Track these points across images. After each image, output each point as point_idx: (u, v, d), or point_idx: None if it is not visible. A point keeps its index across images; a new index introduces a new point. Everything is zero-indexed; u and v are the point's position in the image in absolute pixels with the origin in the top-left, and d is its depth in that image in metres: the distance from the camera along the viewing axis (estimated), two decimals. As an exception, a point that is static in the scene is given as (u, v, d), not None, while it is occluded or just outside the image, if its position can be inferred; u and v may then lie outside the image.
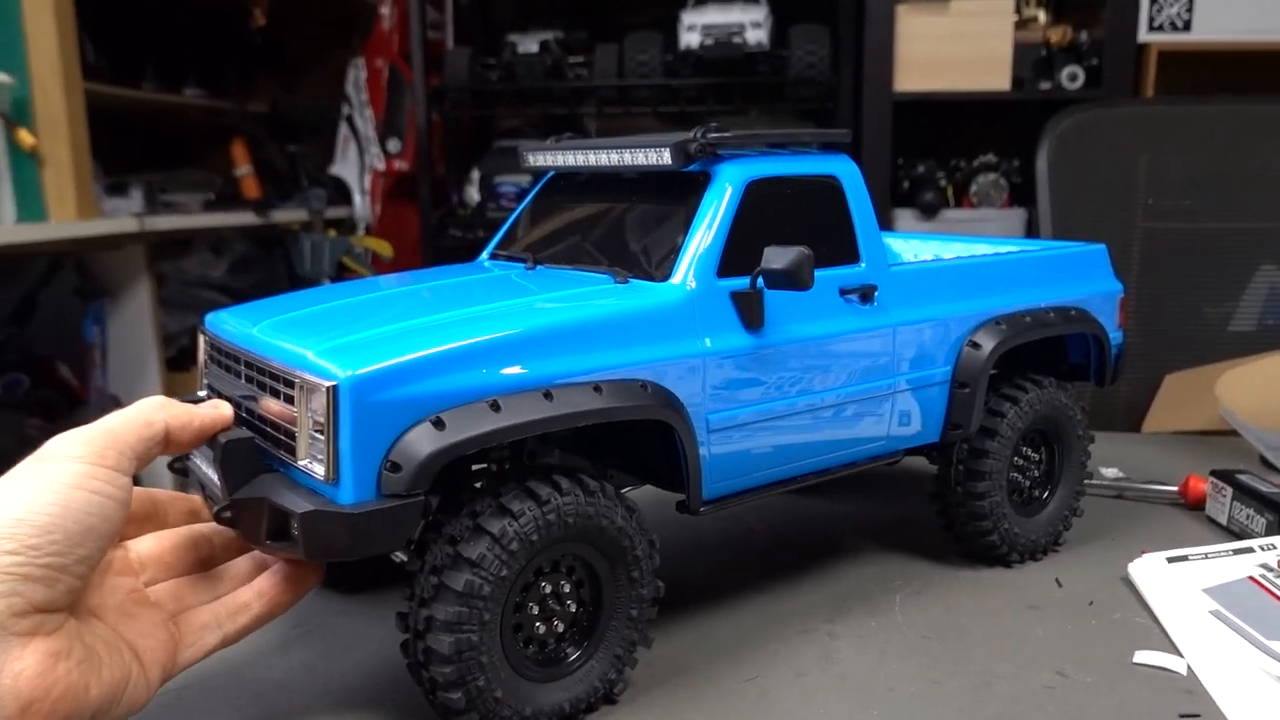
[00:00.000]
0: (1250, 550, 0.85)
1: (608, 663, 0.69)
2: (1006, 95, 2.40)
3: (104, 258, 2.30)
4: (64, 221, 1.97)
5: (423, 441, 0.61)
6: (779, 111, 2.62)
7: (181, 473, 0.74)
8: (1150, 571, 0.86)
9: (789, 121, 2.68)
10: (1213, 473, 1.04)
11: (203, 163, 2.79)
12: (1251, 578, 0.81)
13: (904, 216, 2.54)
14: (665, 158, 0.78)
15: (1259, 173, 1.81)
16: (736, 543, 1.01)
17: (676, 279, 0.74)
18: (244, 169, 2.71)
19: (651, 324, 0.71)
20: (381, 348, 0.63)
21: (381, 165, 2.89)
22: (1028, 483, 0.95)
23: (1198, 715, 0.67)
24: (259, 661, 0.77)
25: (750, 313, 0.75)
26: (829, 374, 0.79)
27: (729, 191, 0.77)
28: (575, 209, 0.90)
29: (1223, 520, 1.01)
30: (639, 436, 0.74)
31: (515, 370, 0.65)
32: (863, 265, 0.83)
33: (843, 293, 0.81)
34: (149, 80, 2.55)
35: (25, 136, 1.91)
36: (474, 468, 0.73)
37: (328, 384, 0.60)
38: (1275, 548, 0.85)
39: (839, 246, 0.82)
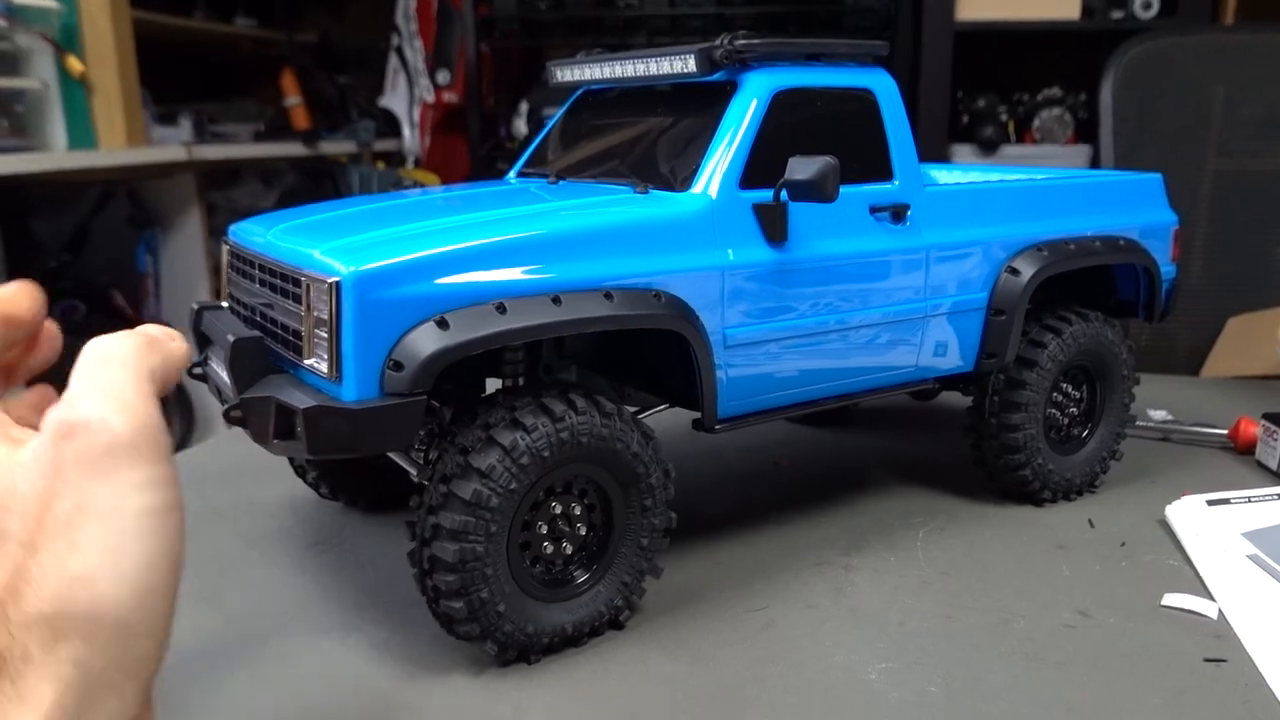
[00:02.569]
0: (1298, 494, 0.81)
1: (615, 589, 0.68)
2: (1075, 25, 2.28)
3: (155, 187, 2.32)
4: (113, 149, 1.99)
5: (425, 341, 0.59)
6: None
7: (201, 378, 0.74)
8: (1188, 514, 0.82)
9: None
10: (1265, 415, 0.99)
11: (254, 94, 2.80)
12: (1296, 521, 0.77)
13: (962, 152, 2.45)
14: (690, 65, 0.74)
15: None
16: (762, 475, 0.99)
17: (697, 189, 0.71)
18: (293, 99, 2.71)
19: (668, 234, 0.68)
20: (387, 247, 0.62)
21: (431, 97, 2.87)
22: (1066, 420, 0.91)
23: (1224, 659, 0.64)
24: (275, 578, 0.77)
25: (773, 226, 0.72)
26: (855, 294, 0.76)
27: (755, 101, 0.73)
28: (603, 125, 0.87)
29: (1273, 465, 0.96)
30: (656, 352, 0.72)
31: (523, 274, 0.63)
32: (896, 183, 0.79)
33: (873, 211, 0.77)
34: (199, 9, 2.55)
35: (75, 63, 1.93)
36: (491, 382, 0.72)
37: (330, 280, 0.59)
38: (1325, 492, 0.80)
39: (871, 163, 0.78)
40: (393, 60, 2.90)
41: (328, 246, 0.63)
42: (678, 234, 0.69)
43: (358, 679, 0.63)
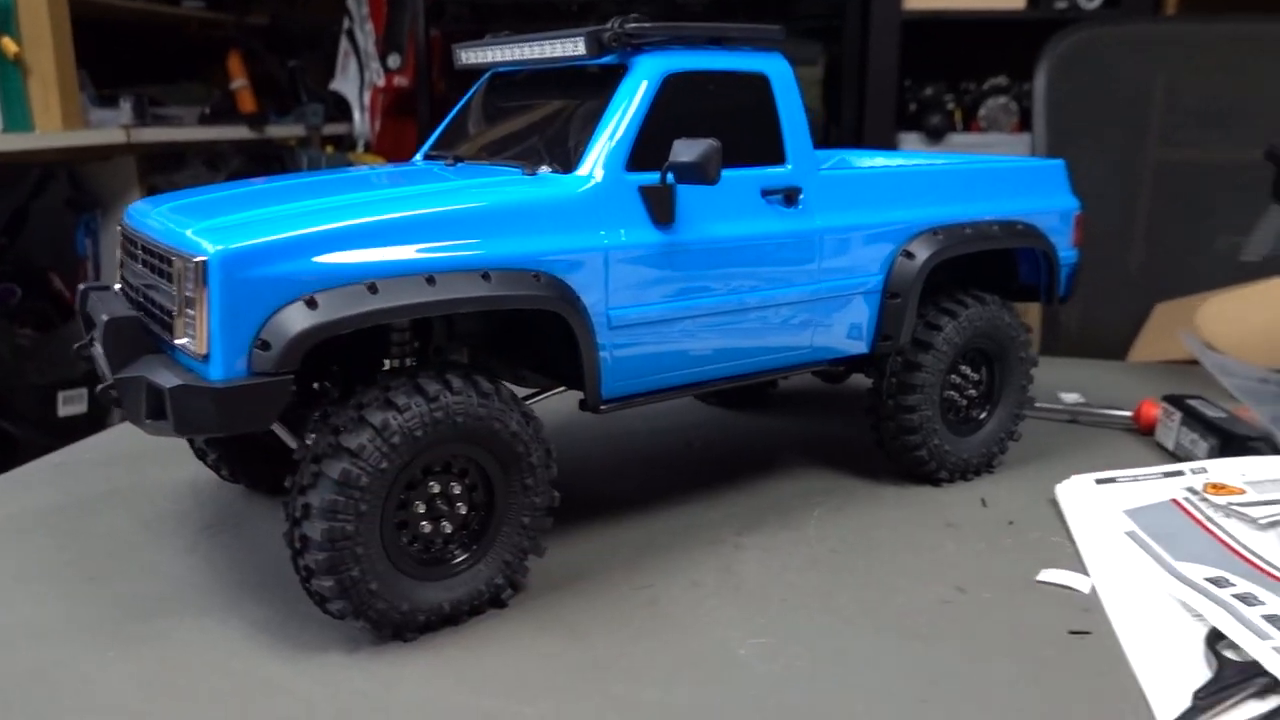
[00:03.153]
0: (1180, 474, 0.83)
1: (496, 568, 0.68)
2: (1021, 14, 2.30)
3: (95, 169, 2.29)
4: (49, 132, 1.96)
5: (293, 320, 0.59)
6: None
7: (87, 359, 0.74)
8: (1076, 493, 0.84)
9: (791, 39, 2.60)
10: (1164, 398, 1.01)
11: (201, 76, 2.76)
12: (1175, 500, 0.79)
13: (910, 140, 2.47)
14: (580, 48, 0.75)
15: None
16: (673, 456, 1.00)
17: (582, 170, 0.71)
18: (240, 82, 2.68)
19: (551, 215, 0.69)
20: (259, 227, 0.62)
21: (381, 81, 2.84)
22: (965, 402, 0.93)
23: (1088, 632, 0.66)
24: (166, 559, 0.77)
25: (660, 208, 0.72)
26: (745, 276, 0.77)
27: (645, 84, 0.74)
28: (507, 108, 0.87)
29: (1170, 445, 0.98)
30: (545, 333, 0.72)
31: (399, 254, 0.63)
32: (788, 167, 0.80)
33: (765, 194, 0.78)
34: (144, -10, 2.51)
35: (9, 44, 1.89)
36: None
37: (198, 259, 0.59)
38: (1205, 471, 0.82)
39: (763, 147, 0.79)
40: (344, 44, 2.87)
41: (200, 226, 0.63)
42: (561, 215, 0.69)
43: (233, 658, 0.64)
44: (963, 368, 0.92)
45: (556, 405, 0.84)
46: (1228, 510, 0.75)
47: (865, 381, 0.90)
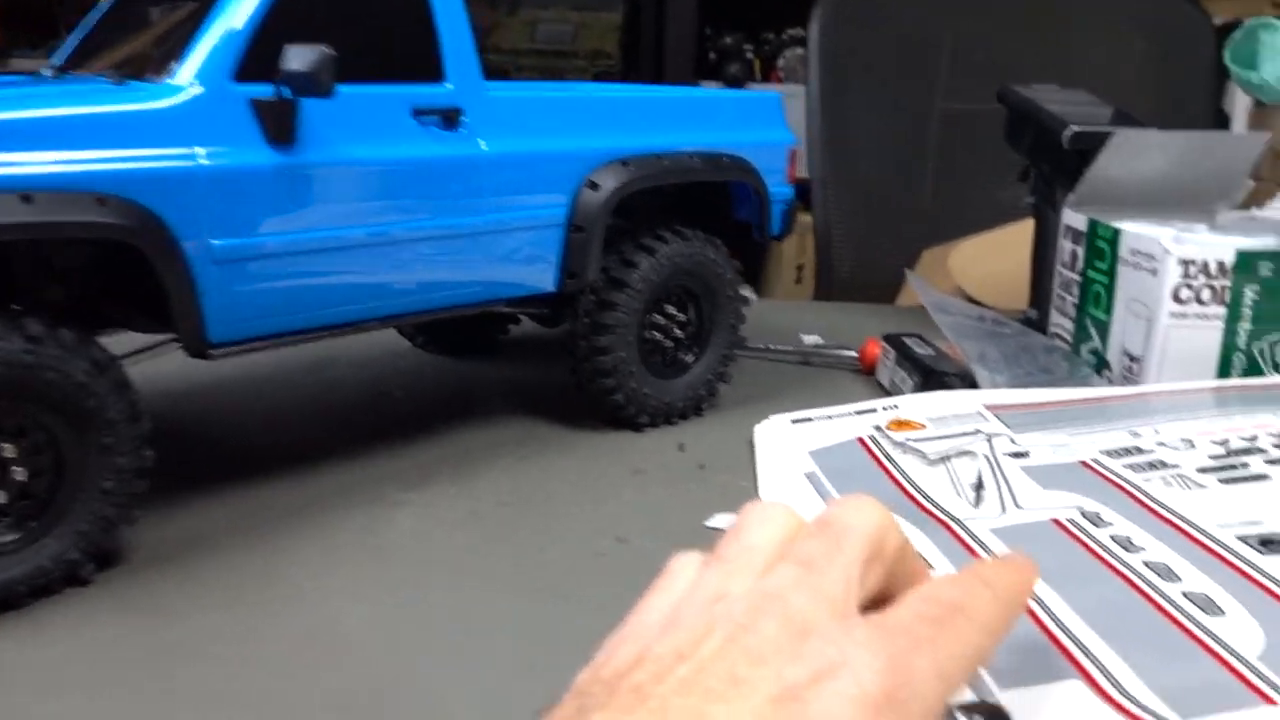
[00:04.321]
0: (872, 411, 0.81)
1: (68, 541, 0.59)
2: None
3: None
4: None
5: None
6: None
7: None
8: (771, 433, 0.80)
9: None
10: (884, 336, 0.99)
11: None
12: (860, 439, 0.76)
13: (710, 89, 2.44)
14: (186, -62, 0.65)
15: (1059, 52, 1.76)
16: (367, 407, 0.92)
17: (179, 79, 0.62)
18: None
19: (127, 130, 0.59)
20: None
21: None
22: (671, 344, 0.88)
23: (734, 577, 0.62)
24: None
25: (277, 125, 0.63)
26: (391, 206, 0.69)
27: (261, -18, 0.64)
28: (132, 15, 0.76)
29: (886, 384, 0.97)
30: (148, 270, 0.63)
31: (-92, 174, 0.52)
32: (447, 86, 0.72)
33: (417, 114, 0.70)
34: None
35: None
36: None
37: None
38: (896, 408, 0.80)
39: (416, 61, 0.71)
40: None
41: None
42: (142, 130, 0.59)
43: None
44: (667, 308, 0.87)
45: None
46: (905, 446, 0.73)
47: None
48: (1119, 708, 0.42)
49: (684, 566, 0.42)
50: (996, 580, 0.38)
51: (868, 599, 0.37)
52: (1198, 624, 0.49)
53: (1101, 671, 0.44)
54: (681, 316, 0.88)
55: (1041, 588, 0.53)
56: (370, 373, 1.00)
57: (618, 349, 0.82)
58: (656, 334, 0.87)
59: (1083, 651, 0.46)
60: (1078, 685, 0.44)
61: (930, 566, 0.55)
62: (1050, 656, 0.46)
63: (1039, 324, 1.08)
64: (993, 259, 1.35)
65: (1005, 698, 0.42)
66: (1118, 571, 0.54)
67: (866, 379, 1.02)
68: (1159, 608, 0.50)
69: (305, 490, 0.73)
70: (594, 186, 0.79)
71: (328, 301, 0.68)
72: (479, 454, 0.81)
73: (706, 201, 0.93)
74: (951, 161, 1.83)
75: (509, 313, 0.92)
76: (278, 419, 0.89)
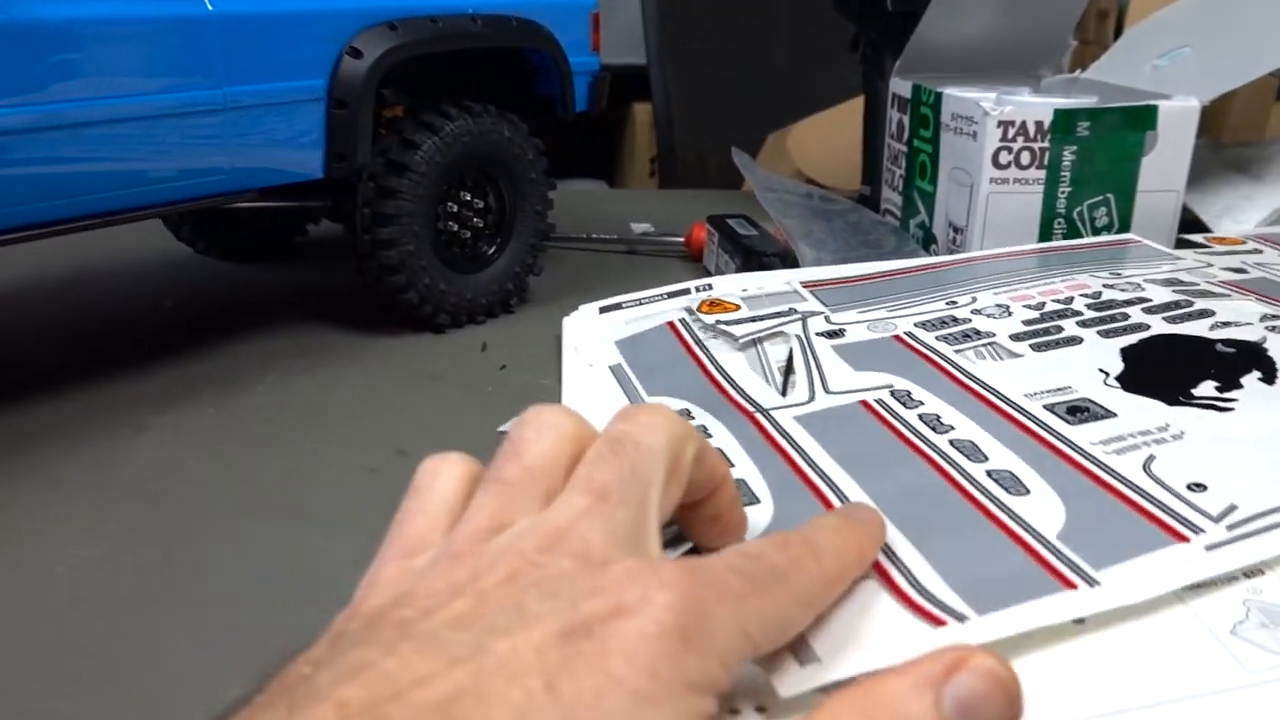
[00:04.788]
0: (686, 293, 0.75)
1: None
2: None
3: None
4: None
5: None
6: None
7: None
8: (578, 326, 0.74)
9: None
10: (708, 219, 0.93)
11: None
12: (670, 323, 0.70)
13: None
14: None
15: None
16: (136, 323, 0.81)
17: None
18: None
19: None
20: None
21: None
22: (469, 234, 0.80)
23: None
24: None
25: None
26: (98, 78, 0.57)
27: None
28: None
29: (711, 269, 0.91)
30: None
31: None
32: (158, -71, 0.60)
33: (121, -35, 0.58)
34: None
35: None
36: None
37: None
38: (710, 288, 0.75)
39: (113, -102, 0.58)
40: None
41: None
42: None
43: None
44: (463, 194, 0.78)
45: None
46: (715, 330, 0.67)
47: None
48: (912, 605, 0.38)
49: (436, 475, 0.36)
50: (827, 551, 0.35)
51: (666, 518, 0.35)
52: (1001, 505, 0.45)
53: (896, 566, 0.40)
54: (479, 204, 0.80)
55: (840, 475, 0.48)
56: (140, 284, 0.89)
57: (404, 241, 0.73)
58: (452, 224, 0.78)
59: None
60: (870, 585, 0.39)
61: (731, 465, 0.50)
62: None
63: (872, 201, 1.04)
64: (830, 137, 1.30)
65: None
66: (924, 454, 0.50)
67: (695, 266, 0.97)
68: (963, 491, 0.47)
69: (40, 418, 0.63)
70: (356, 54, 0.68)
71: (53, 191, 0.56)
72: (249, 368, 0.71)
73: (507, 76, 0.83)
74: (805, 33, 1.76)
75: (287, 207, 0.81)
76: (18, 338, 0.77)
